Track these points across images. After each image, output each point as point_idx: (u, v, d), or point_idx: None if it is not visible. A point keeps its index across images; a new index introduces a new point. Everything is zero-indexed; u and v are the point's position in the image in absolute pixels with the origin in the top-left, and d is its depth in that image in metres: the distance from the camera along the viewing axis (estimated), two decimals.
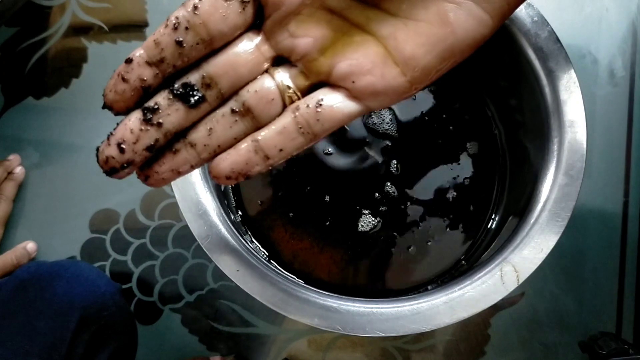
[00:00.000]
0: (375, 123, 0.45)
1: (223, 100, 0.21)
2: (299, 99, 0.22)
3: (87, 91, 0.53)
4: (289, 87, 0.22)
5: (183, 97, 0.21)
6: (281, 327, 0.50)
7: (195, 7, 0.20)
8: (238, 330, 0.50)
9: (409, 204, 0.44)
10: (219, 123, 0.21)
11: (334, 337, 0.49)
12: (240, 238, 0.34)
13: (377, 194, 0.44)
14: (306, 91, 0.22)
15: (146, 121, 0.21)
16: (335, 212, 0.44)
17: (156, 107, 0.21)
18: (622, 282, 0.50)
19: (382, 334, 0.31)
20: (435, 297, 0.32)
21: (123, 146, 0.21)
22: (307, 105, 0.21)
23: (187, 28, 0.20)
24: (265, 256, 0.43)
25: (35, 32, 0.54)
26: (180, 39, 0.20)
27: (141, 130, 0.21)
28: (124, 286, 0.50)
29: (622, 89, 0.53)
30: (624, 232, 0.51)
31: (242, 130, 0.22)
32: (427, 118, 0.45)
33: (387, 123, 0.45)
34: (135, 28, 0.54)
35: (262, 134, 0.21)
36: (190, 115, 0.21)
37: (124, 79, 0.20)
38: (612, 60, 0.53)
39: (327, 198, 0.44)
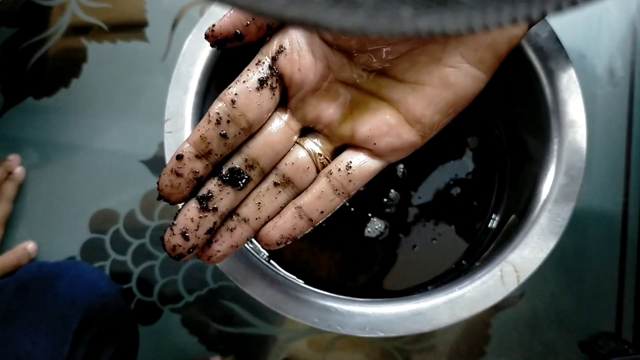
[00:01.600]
0: None
1: (264, 175, 0.25)
2: (328, 162, 0.25)
3: (87, 91, 0.53)
4: (319, 155, 0.25)
5: (232, 182, 0.24)
6: (281, 327, 0.50)
7: (233, 102, 0.23)
8: (238, 330, 0.50)
9: (413, 204, 0.44)
10: (265, 197, 0.24)
11: (334, 338, 0.49)
12: None
13: (384, 199, 0.44)
14: (333, 154, 0.25)
15: (203, 209, 0.23)
16: (336, 212, 0.44)
17: (210, 194, 0.23)
18: (622, 282, 0.50)
19: (382, 334, 0.31)
20: (435, 297, 0.32)
21: (187, 234, 0.24)
22: (339, 170, 0.25)
23: (228, 121, 0.23)
24: (265, 256, 0.43)
25: (35, 32, 0.54)
26: (224, 132, 0.23)
27: (200, 217, 0.23)
28: (124, 286, 0.50)
29: (622, 89, 0.53)
30: (624, 232, 0.51)
31: (285, 199, 0.25)
32: None
33: None
34: (135, 28, 0.54)
35: (304, 200, 0.25)
36: (239, 196, 0.24)
37: (178, 174, 0.23)
38: (612, 60, 0.53)
39: None
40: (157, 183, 0.23)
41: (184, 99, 0.35)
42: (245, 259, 0.32)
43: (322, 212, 0.25)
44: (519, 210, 0.38)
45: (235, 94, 0.23)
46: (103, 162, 0.52)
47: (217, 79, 0.38)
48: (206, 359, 0.49)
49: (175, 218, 0.24)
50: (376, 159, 0.25)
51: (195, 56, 0.34)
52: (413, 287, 0.43)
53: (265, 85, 0.23)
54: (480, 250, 0.42)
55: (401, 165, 0.44)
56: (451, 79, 0.24)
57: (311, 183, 0.25)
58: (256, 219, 0.24)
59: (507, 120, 0.44)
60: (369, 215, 0.44)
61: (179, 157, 0.23)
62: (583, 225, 0.50)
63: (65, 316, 0.38)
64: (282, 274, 0.34)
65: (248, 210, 0.24)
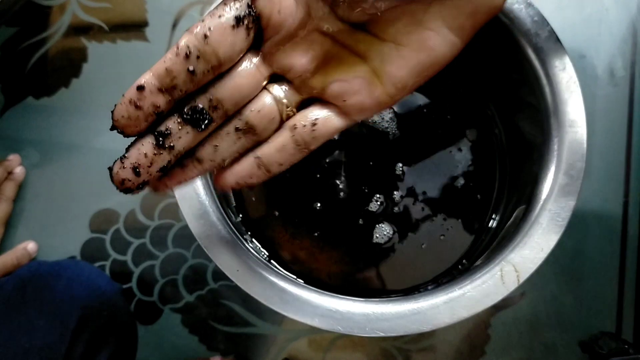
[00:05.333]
0: (375, 122, 0.45)
1: (227, 118, 0.23)
2: (293, 114, 0.24)
3: (87, 91, 0.53)
4: (286, 106, 0.24)
5: (193, 122, 0.22)
6: (281, 327, 0.50)
7: (205, 36, 0.21)
8: (238, 330, 0.50)
9: (419, 200, 0.44)
10: (224, 141, 0.23)
11: (334, 337, 0.49)
12: (240, 238, 0.34)
13: (383, 198, 0.44)
14: (299, 105, 0.24)
15: (159, 146, 0.22)
16: (337, 213, 0.44)
17: (168, 132, 0.22)
18: (622, 282, 0.50)
19: (382, 334, 0.31)
20: (435, 297, 0.32)
21: (139, 170, 0.22)
22: (304, 125, 0.24)
23: (198, 57, 0.21)
24: (265, 256, 0.43)
25: (35, 32, 0.54)
26: (192, 68, 0.21)
27: (155, 154, 0.22)
28: (124, 286, 0.50)
29: (622, 89, 0.53)
30: (624, 232, 0.51)
31: (245, 146, 0.24)
32: (427, 117, 0.45)
33: (387, 121, 0.45)
34: (135, 28, 0.54)
35: (264, 151, 0.24)
36: (198, 137, 0.23)
37: (137, 106, 0.21)
38: (612, 60, 0.53)
39: (328, 199, 0.44)
40: (112, 112, 0.22)
41: None
42: (245, 259, 0.32)
43: (281, 164, 0.24)
44: (519, 210, 0.38)
45: (209, 29, 0.21)
46: (103, 162, 0.52)
47: None
48: (206, 359, 0.49)
49: (127, 150, 0.22)
50: (342, 116, 0.25)
51: None
52: (413, 286, 0.43)
53: (241, 23, 0.21)
54: (481, 250, 0.42)
55: (400, 165, 0.44)
56: (429, 43, 0.23)
57: (274, 133, 0.24)
58: (211, 160, 0.23)
59: (506, 120, 0.44)
60: (376, 222, 0.44)
61: (140, 88, 0.21)
62: (583, 225, 0.50)
63: (63, 314, 0.38)
64: (282, 274, 0.34)
65: (205, 151, 0.23)
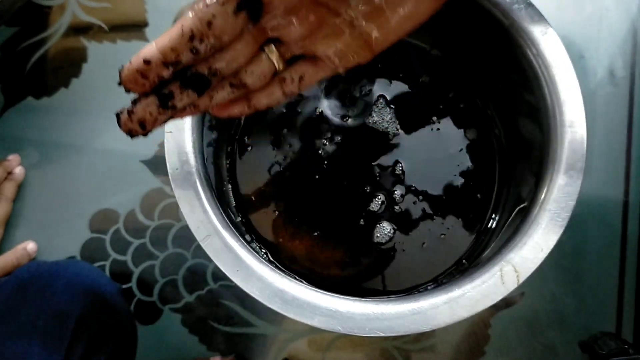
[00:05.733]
0: (376, 122, 0.45)
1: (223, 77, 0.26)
2: (284, 68, 0.27)
3: (87, 91, 0.53)
4: (278, 66, 0.26)
5: (195, 87, 0.25)
6: (281, 327, 0.50)
7: (209, 24, 0.23)
8: (238, 330, 0.50)
9: (420, 198, 0.44)
10: (219, 94, 0.26)
11: (334, 337, 0.49)
12: (240, 238, 0.34)
13: (383, 198, 0.44)
14: (288, 59, 0.27)
15: (163, 107, 0.25)
16: (337, 213, 0.44)
17: (171, 94, 0.24)
18: (622, 282, 0.50)
19: (382, 334, 0.31)
20: (435, 297, 0.32)
21: (145, 124, 0.25)
22: (292, 80, 0.27)
23: (201, 40, 0.23)
24: (265, 256, 0.43)
25: (35, 32, 0.54)
26: (196, 48, 0.23)
27: (159, 113, 0.25)
28: (124, 286, 0.50)
29: (622, 89, 0.53)
30: (624, 232, 0.51)
31: (238, 95, 0.27)
32: (427, 117, 0.45)
33: (387, 122, 0.45)
34: (135, 28, 0.54)
35: (255, 98, 0.27)
36: (197, 97, 0.25)
37: (143, 75, 0.23)
38: (613, 60, 0.53)
39: (328, 199, 0.44)
40: (119, 72, 0.23)
41: None
42: (245, 259, 0.32)
43: (268, 105, 0.28)
44: (519, 210, 0.38)
45: (213, 16, 0.23)
46: (103, 162, 0.52)
47: None
48: (206, 359, 0.49)
49: (134, 104, 0.25)
50: (327, 71, 0.28)
51: None
52: (413, 286, 0.43)
53: (243, 8, 0.23)
54: (481, 250, 0.42)
55: (400, 164, 0.44)
56: (410, 7, 0.26)
57: (265, 85, 0.27)
58: (205, 106, 0.26)
59: (506, 120, 0.44)
60: (377, 222, 0.44)
61: (147, 62, 0.23)
62: (583, 225, 0.50)
63: (63, 314, 0.38)
64: (282, 274, 0.34)
65: (201, 101, 0.26)
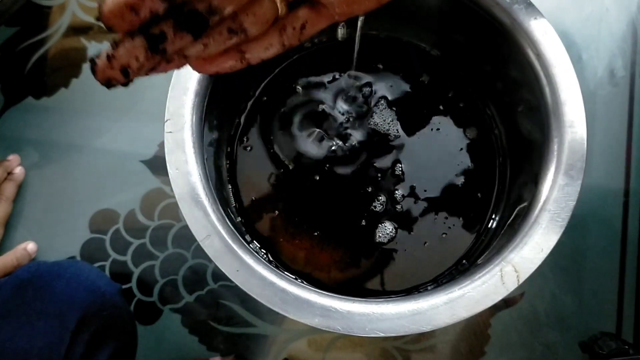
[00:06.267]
0: (377, 122, 0.45)
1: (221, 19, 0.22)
2: (285, 14, 0.24)
3: (87, 91, 0.53)
4: (281, 9, 0.23)
5: (191, 28, 0.21)
6: (281, 327, 0.50)
7: None
8: (238, 330, 0.50)
9: (420, 198, 0.44)
10: (215, 40, 0.22)
11: (334, 337, 0.49)
12: (240, 238, 0.34)
13: (384, 198, 0.44)
14: (291, 2, 0.24)
15: (152, 51, 0.21)
16: (338, 213, 0.44)
17: (163, 36, 0.21)
18: (622, 282, 0.50)
19: (382, 334, 0.31)
20: (435, 297, 0.32)
21: (128, 71, 0.21)
22: (293, 28, 0.24)
23: None
24: (265, 256, 0.43)
25: (35, 32, 0.54)
26: None
27: (146, 58, 0.21)
28: (123, 286, 0.50)
29: (622, 89, 0.53)
30: (624, 232, 0.51)
31: (233, 44, 0.23)
32: (427, 117, 0.45)
33: (388, 123, 0.45)
34: None
35: (250, 48, 0.24)
36: (192, 41, 0.22)
37: (133, 9, 0.20)
38: (612, 60, 0.53)
39: (329, 199, 0.44)
40: (99, 5, 0.20)
41: (183, 99, 0.35)
42: (245, 259, 0.32)
43: (263, 59, 0.24)
44: (519, 210, 0.38)
45: None
46: (103, 162, 0.52)
47: (216, 78, 0.38)
48: (206, 359, 0.49)
49: (114, 47, 0.21)
50: (329, 19, 0.25)
51: None
52: (413, 286, 0.43)
53: None
54: (481, 250, 0.42)
55: (401, 164, 0.44)
56: None
57: (263, 34, 0.24)
58: (197, 57, 0.23)
59: (506, 120, 0.44)
60: (379, 222, 0.44)
61: None
62: (583, 225, 0.50)
63: (63, 315, 0.38)
64: (282, 274, 0.34)
65: (193, 49, 0.22)
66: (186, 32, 0.21)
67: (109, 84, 0.21)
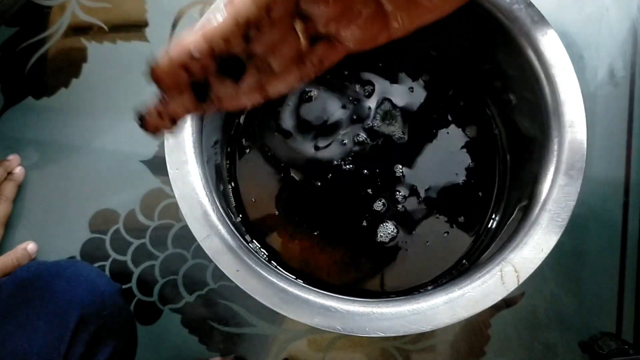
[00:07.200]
0: (377, 123, 0.45)
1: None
2: (306, 49, 0.25)
3: (87, 91, 0.53)
4: (304, 46, 0.24)
5: (232, 73, 0.22)
6: (281, 327, 0.50)
7: (268, 9, 0.22)
8: (238, 330, 0.50)
9: (421, 197, 0.44)
10: (245, 82, 0.23)
11: (334, 337, 0.49)
12: (240, 238, 0.34)
13: (386, 198, 0.44)
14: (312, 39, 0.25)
15: (200, 100, 0.22)
16: (339, 213, 0.44)
17: (208, 85, 0.22)
18: (622, 282, 0.50)
19: (382, 334, 0.31)
20: (435, 297, 0.32)
21: (176, 120, 0.22)
22: (312, 64, 0.25)
23: (258, 27, 0.22)
24: (265, 256, 0.43)
25: (35, 32, 0.54)
26: (249, 37, 0.21)
27: (195, 108, 0.22)
28: (123, 286, 0.50)
29: (622, 89, 0.53)
30: (624, 232, 0.51)
31: (259, 82, 0.24)
32: (426, 117, 0.45)
33: (388, 123, 0.45)
34: (135, 28, 0.54)
35: (272, 86, 0.25)
36: (234, 85, 0.23)
37: (186, 69, 0.21)
38: (613, 60, 0.53)
39: (329, 199, 0.44)
40: (151, 66, 0.21)
41: None
42: (245, 259, 0.32)
43: (283, 91, 0.25)
44: (519, 210, 0.38)
45: (274, 1, 0.22)
46: (103, 162, 0.52)
47: None
48: (206, 359, 0.49)
49: (164, 102, 0.22)
50: (342, 53, 0.26)
51: None
52: (413, 286, 0.43)
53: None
54: (480, 251, 0.42)
55: (399, 167, 0.44)
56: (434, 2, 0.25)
57: (283, 69, 0.25)
58: (227, 99, 0.24)
59: (506, 120, 0.44)
60: (380, 221, 0.44)
61: (192, 54, 0.21)
62: (583, 225, 0.50)
63: (63, 314, 0.38)
64: (282, 274, 0.34)
65: (225, 91, 0.23)
66: (229, 78, 0.22)
67: (156, 133, 0.23)
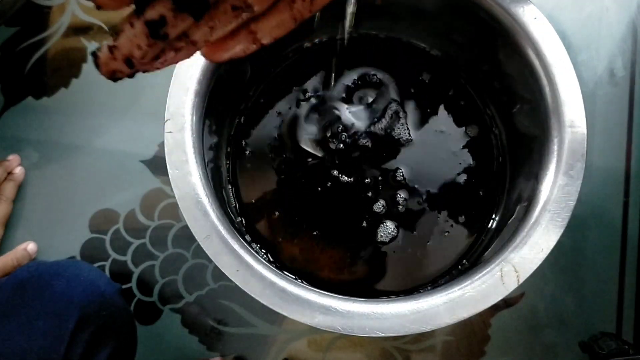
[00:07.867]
0: (377, 123, 0.45)
1: None
2: None
3: (87, 91, 0.53)
4: None
5: (190, 9, 0.20)
6: (281, 327, 0.50)
7: None
8: (238, 330, 0.50)
9: (422, 197, 0.44)
10: (220, 21, 0.21)
11: (334, 337, 0.49)
12: (240, 238, 0.34)
13: (386, 197, 0.44)
14: None
15: (153, 36, 0.20)
16: (339, 213, 0.44)
17: (163, 21, 0.20)
18: (622, 282, 0.50)
19: (382, 334, 0.31)
20: (435, 297, 0.32)
21: (132, 61, 0.21)
22: (303, 0, 0.23)
23: None
24: (265, 256, 0.43)
25: (34, 32, 0.54)
26: None
27: (148, 45, 0.20)
28: (123, 286, 0.50)
29: (622, 89, 0.53)
30: (624, 232, 0.51)
31: (240, 22, 0.22)
32: (426, 115, 0.45)
33: (389, 122, 0.45)
34: None
35: (260, 27, 0.23)
36: (194, 23, 0.21)
37: None
38: (612, 60, 0.53)
39: (329, 199, 0.44)
40: None
41: (184, 99, 0.35)
42: (245, 259, 0.32)
43: (275, 37, 0.23)
44: (519, 210, 0.38)
45: None
46: (103, 162, 0.52)
47: (216, 79, 0.38)
48: (206, 359, 0.49)
49: (116, 38, 0.20)
50: None
51: (195, 56, 0.34)
52: (413, 286, 0.43)
53: None
54: (480, 251, 0.42)
55: (400, 166, 0.44)
56: None
57: (271, 7, 0.23)
58: (205, 41, 0.22)
59: (506, 120, 0.44)
60: (380, 221, 0.44)
61: None
62: (583, 225, 0.50)
63: (62, 314, 0.37)
64: (282, 274, 0.34)
65: (199, 33, 0.21)
66: (186, 14, 0.20)
67: (113, 76, 0.21)
